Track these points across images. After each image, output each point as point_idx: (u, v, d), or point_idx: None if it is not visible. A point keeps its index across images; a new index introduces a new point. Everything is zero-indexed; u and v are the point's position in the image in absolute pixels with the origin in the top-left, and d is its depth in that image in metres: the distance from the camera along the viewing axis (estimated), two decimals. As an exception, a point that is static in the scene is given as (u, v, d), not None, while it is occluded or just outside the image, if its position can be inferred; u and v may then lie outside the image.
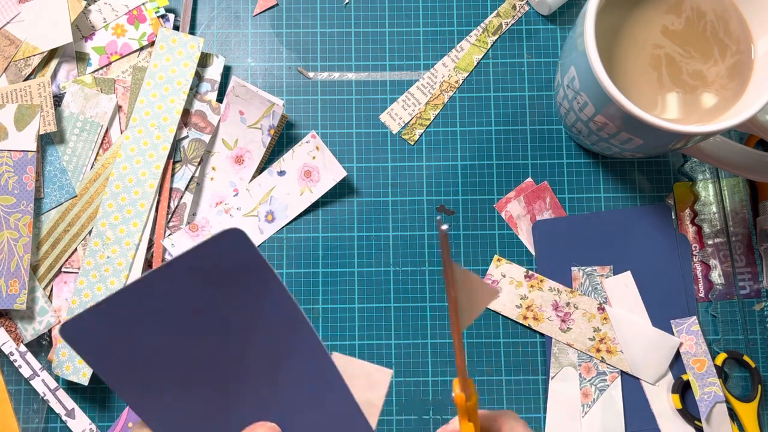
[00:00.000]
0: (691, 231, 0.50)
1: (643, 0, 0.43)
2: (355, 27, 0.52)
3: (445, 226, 0.25)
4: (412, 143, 0.51)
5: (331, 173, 0.49)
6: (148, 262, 0.48)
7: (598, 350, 0.48)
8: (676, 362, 0.48)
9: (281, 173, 0.49)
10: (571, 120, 0.47)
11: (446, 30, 0.52)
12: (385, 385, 0.30)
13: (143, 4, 0.51)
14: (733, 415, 0.48)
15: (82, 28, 0.50)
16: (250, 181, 0.49)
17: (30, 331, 0.47)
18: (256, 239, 0.50)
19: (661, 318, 0.49)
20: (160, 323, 0.26)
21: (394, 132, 0.51)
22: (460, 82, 0.51)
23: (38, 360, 0.47)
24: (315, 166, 0.49)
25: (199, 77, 0.50)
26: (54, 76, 0.49)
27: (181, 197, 0.49)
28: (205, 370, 0.27)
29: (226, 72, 0.51)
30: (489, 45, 0.52)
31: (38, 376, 0.47)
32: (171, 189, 0.49)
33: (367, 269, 0.50)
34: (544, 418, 0.48)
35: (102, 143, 0.49)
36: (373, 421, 0.30)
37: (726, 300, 0.49)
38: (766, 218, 0.50)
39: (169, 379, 0.27)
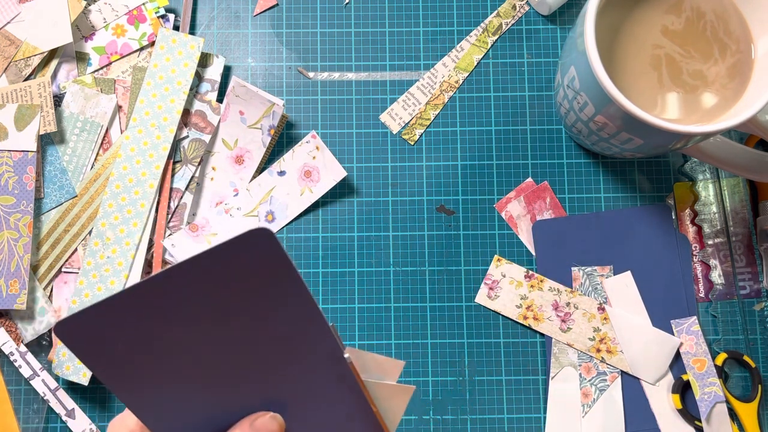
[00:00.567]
0: (691, 231, 0.50)
1: (643, 0, 0.43)
2: (355, 27, 0.52)
3: (347, 354, 0.28)
4: (412, 143, 0.51)
5: (331, 173, 0.49)
6: (148, 263, 0.48)
7: (598, 350, 0.48)
8: (676, 362, 0.48)
9: (281, 173, 0.49)
10: (571, 120, 0.47)
11: (446, 30, 0.52)
12: (395, 376, 0.30)
13: (143, 4, 0.51)
14: (733, 415, 0.48)
15: (82, 28, 0.50)
16: (250, 181, 0.49)
17: (30, 331, 0.47)
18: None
19: (661, 318, 0.49)
20: (168, 323, 0.26)
21: (394, 132, 0.51)
22: (460, 82, 0.51)
23: (38, 360, 0.47)
24: (315, 166, 0.49)
25: (199, 77, 0.50)
26: (54, 76, 0.49)
27: (181, 197, 0.49)
28: (210, 371, 0.27)
29: (226, 72, 0.51)
30: (489, 45, 0.52)
31: (38, 376, 0.47)
32: (171, 189, 0.49)
33: (367, 269, 0.50)
34: (544, 418, 0.48)
35: (102, 143, 0.49)
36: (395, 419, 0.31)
37: (726, 300, 0.49)
38: (766, 218, 0.50)
39: (171, 378, 0.27)
